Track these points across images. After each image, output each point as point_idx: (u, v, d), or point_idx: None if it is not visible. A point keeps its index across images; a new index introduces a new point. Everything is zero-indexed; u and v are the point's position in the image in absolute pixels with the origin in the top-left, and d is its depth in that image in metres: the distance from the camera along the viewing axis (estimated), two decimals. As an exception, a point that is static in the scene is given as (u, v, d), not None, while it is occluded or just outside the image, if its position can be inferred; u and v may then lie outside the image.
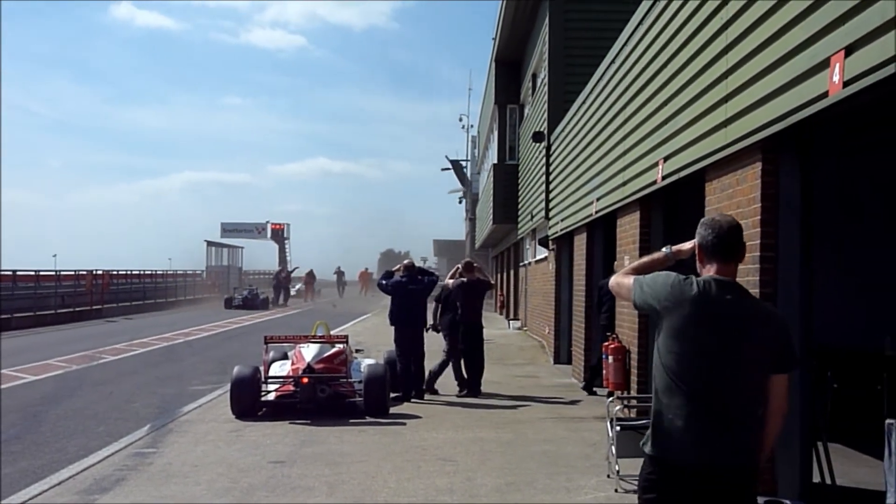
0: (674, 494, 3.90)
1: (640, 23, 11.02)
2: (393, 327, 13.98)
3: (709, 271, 4.06)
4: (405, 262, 14.67)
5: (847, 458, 8.79)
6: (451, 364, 14.37)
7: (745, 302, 4.02)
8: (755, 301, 4.16)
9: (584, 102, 15.44)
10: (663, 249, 4.49)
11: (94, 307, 38.22)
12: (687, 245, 4.30)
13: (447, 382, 14.48)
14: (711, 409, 3.90)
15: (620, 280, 4.37)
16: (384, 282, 14.22)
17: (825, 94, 5.69)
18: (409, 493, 7.96)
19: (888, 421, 4.41)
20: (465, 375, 14.18)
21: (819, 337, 7.86)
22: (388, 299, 14.29)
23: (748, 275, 7.13)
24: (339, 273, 65.23)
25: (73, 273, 39.71)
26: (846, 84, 5.39)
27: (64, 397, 14.27)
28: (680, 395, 3.93)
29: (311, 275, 59.87)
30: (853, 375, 10.34)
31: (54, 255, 47.99)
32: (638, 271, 4.34)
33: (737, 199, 7.51)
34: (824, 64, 5.68)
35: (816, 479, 7.08)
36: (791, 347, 4.07)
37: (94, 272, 40.69)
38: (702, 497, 3.89)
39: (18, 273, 34.68)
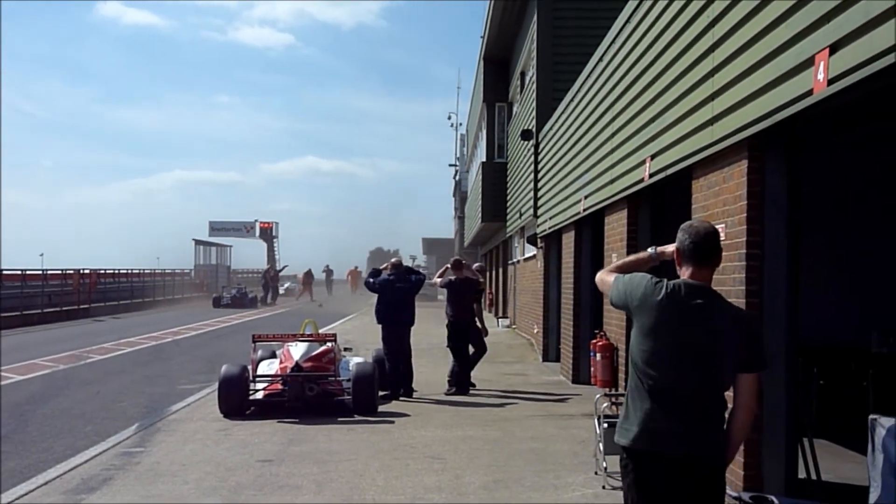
0: (647, 480, 4.10)
1: (628, 21, 11.04)
2: (380, 326, 13.97)
3: (684, 274, 4.23)
4: (393, 260, 14.68)
5: (833, 453, 8.83)
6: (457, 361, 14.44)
7: (715, 304, 4.17)
8: (725, 304, 4.29)
9: (572, 100, 15.46)
10: (648, 250, 4.67)
11: (82, 306, 38.13)
12: (670, 247, 4.43)
13: (435, 381, 14.50)
14: (676, 405, 4.08)
15: (604, 277, 4.59)
16: (371, 280, 14.20)
17: (810, 92, 5.71)
18: (397, 491, 7.96)
19: (871, 416, 4.44)
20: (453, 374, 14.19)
21: (808, 334, 7.91)
22: (376, 298, 14.26)
23: (734, 272, 7.15)
24: (328, 271, 65.20)
25: (60, 272, 39.59)
26: (831, 82, 5.41)
27: (51, 397, 14.23)
28: (646, 390, 4.13)
29: (309, 274, 59.97)
30: (840, 372, 10.40)
31: (41, 255, 47.70)
32: (621, 270, 4.55)
33: (723, 196, 7.53)
34: (809, 62, 5.70)
35: (802, 474, 7.11)
36: (760, 349, 4.21)
37: (81, 271, 40.57)
38: (673, 484, 4.07)
39: (5, 272, 34.55)
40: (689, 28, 8.29)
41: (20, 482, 8.37)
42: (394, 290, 13.87)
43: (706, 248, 4.20)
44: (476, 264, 16.65)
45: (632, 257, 4.78)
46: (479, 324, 15.09)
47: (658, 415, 4.09)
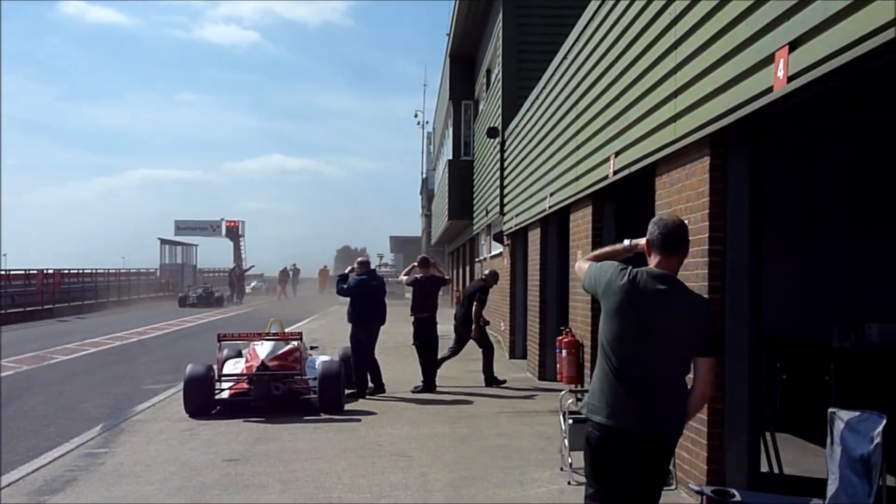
0: (601, 449, 4.43)
1: (592, 18, 11.09)
2: (351, 324, 13.88)
3: (651, 263, 4.48)
4: (360, 259, 14.61)
5: (796, 447, 8.93)
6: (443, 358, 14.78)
7: (675, 291, 4.42)
8: (685, 291, 4.54)
9: (537, 98, 15.51)
10: (624, 242, 4.97)
11: (46, 307, 37.72)
12: (643, 240, 4.67)
13: (402, 379, 14.49)
14: (634, 384, 4.35)
15: (581, 265, 4.88)
16: (344, 286, 13.97)
17: (770, 89, 5.77)
18: (362, 489, 7.95)
19: (831, 410, 4.52)
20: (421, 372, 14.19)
21: (771, 329, 7.98)
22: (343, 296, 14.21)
23: (697, 268, 7.21)
24: (295, 270, 64.91)
25: (23, 272, 39.13)
26: (790, 79, 5.47)
27: (14, 398, 14.06)
28: (610, 369, 4.42)
29: (284, 272, 59.77)
30: (802, 367, 10.51)
31: (4, 255, 47.30)
32: (597, 259, 4.87)
33: (686, 193, 7.59)
34: (769, 59, 5.76)
35: (765, 468, 7.18)
36: (715, 334, 4.53)
37: (45, 271, 40.14)
38: (622, 456, 4.37)
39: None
40: (652, 26, 8.34)
41: (-19, 484, 8.26)
42: (370, 289, 13.83)
43: (673, 240, 4.46)
44: (487, 270, 16.56)
45: (608, 248, 5.06)
46: (475, 323, 15.04)
47: (623, 394, 4.35)
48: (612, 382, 4.40)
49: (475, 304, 15.00)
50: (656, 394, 4.36)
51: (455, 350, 15.17)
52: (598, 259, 4.85)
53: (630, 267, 4.52)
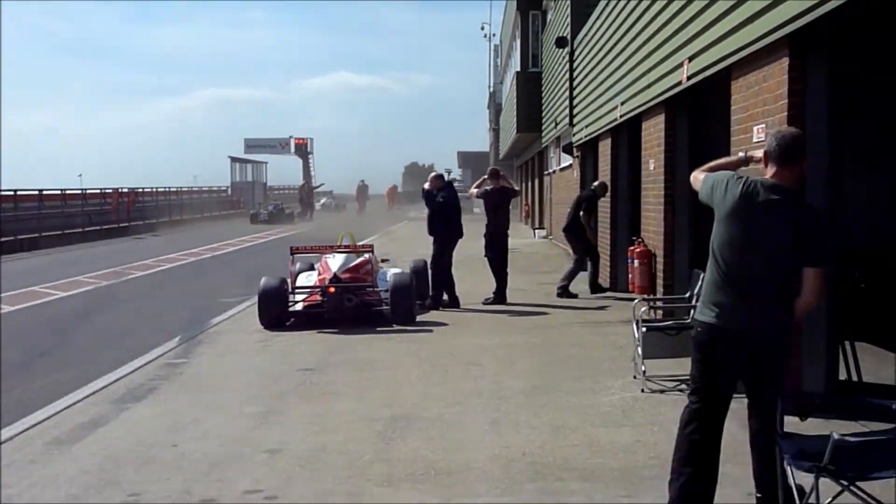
0: (708, 347, 4.71)
1: (665, -81, 10.72)
2: (435, 237, 13.83)
3: (767, 174, 4.64)
4: (435, 174, 14.56)
5: (875, 356, 8.77)
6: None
7: (788, 201, 4.54)
8: (799, 202, 4.67)
9: (607, 5, 15.15)
10: (739, 154, 5.25)
11: (121, 225, 38.51)
12: (759, 152, 4.83)
13: (474, 291, 14.49)
14: (742, 288, 4.57)
15: (697, 175, 5.05)
16: (440, 199, 13.79)
17: (855, -17, 5.53)
18: (436, 396, 8.03)
19: (916, 313, 4.44)
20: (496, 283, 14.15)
21: (850, 237, 7.80)
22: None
23: (775, 173, 7.03)
24: (363, 187, 64.98)
25: (99, 192, 39.90)
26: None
27: (94, 312, 14.46)
28: (719, 273, 4.65)
29: (362, 188, 60.17)
30: (883, 276, 10.27)
31: (80, 175, 48.24)
32: (713, 170, 5.01)
33: (763, 96, 7.38)
34: (855, -49, 5.51)
35: (843, 376, 7.09)
36: (824, 245, 4.64)
37: (120, 190, 40.89)
38: (728, 357, 4.63)
39: (45, 193, 34.77)
40: (729, -78, 8.02)
41: (69, 391, 8.52)
42: (456, 204, 13.84)
43: (789, 151, 4.57)
44: (597, 182, 16.33)
45: (722, 160, 5.22)
46: (589, 230, 15.14)
47: (732, 296, 4.58)
48: (720, 285, 4.63)
49: (581, 213, 14.93)
50: (763, 296, 4.55)
51: (594, 262, 15.13)
52: (713, 170, 4.99)
53: (746, 176, 4.67)
